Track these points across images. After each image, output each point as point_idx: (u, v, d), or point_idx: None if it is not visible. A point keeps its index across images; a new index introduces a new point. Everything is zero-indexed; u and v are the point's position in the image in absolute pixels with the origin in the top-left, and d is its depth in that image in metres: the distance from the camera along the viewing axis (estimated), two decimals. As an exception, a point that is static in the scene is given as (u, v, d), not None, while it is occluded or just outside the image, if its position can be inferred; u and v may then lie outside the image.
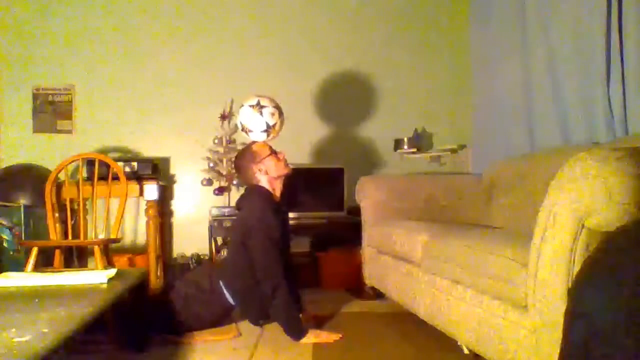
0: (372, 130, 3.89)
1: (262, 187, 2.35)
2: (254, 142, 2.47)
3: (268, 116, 2.41)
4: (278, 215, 2.30)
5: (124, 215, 2.90)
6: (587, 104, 2.40)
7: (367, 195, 2.95)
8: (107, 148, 3.63)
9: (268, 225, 2.18)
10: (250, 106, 2.42)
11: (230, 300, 2.24)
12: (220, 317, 2.27)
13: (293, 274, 2.46)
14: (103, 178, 2.85)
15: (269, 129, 2.42)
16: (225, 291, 2.23)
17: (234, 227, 2.45)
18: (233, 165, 2.45)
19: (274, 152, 2.40)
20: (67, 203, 2.76)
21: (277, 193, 2.41)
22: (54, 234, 2.76)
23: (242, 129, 2.49)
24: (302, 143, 3.73)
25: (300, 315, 2.33)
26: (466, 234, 1.91)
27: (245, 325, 2.33)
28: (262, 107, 2.41)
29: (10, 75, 3.63)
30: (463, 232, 2.01)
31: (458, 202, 2.95)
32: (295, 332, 2.09)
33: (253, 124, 2.42)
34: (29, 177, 3.19)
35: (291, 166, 2.48)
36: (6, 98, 3.64)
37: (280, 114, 2.47)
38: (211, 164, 3.60)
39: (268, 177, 2.36)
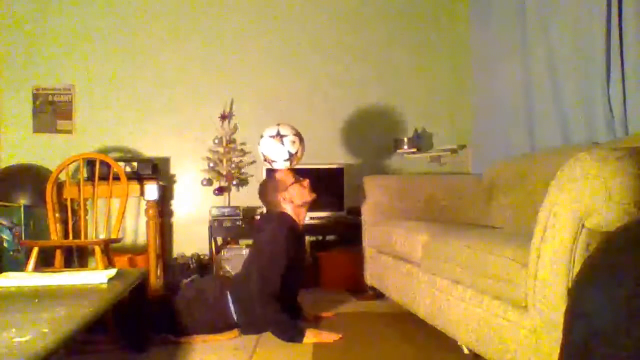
0: (372, 130, 3.89)
1: (285, 214, 2.35)
2: (277, 170, 2.47)
3: (289, 145, 2.42)
4: (297, 241, 2.33)
5: (125, 215, 2.90)
6: (587, 104, 2.40)
7: (367, 195, 2.96)
8: (107, 148, 3.63)
9: (277, 252, 2.19)
10: (270, 137, 2.43)
11: (234, 316, 2.20)
12: (220, 330, 2.21)
13: (298, 286, 2.48)
14: (103, 178, 2.85)
15: (291, 158, 2.44)
16: (231, 305, 2.20)
17: (251, 246, 2.46)
18: (258, 194, 2.48)
19: (298, 180, 2.40)
20: (68, 203, 2.77)
21: (302, 221, 2.42)
22: (55, 234, 2.76)
23: (265, 160, 2.50)
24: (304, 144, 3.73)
25: (301, 319, 2.35)
26: (466, 234, 1.91)
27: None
28: (282, 136, 2.42)
29: (10, 75, 3.63)
30: (463, 232, 2.01)
31: (458, 202, 2.95)
32: (292, 335, 2.08)
33: (275, 154, 2.43)
34: (29, 177, 3.19)
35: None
36: (6, 98, 3.64)
37: (301, 140, 2.48)
38: (211, 164, 3.61)
39: (293, 205, 2.37)
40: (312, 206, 3.51)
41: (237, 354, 1.98)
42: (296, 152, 2.45)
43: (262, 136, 2.49)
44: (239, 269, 2.50)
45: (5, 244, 2.90)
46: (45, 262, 2.71)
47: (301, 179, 2.43)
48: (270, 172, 2.72)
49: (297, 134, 2.48)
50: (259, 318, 2.15)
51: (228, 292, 2.23)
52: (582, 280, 0.96)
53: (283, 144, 2.42)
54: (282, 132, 2.43)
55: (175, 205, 3.76)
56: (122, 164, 3.03)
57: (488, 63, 3.48)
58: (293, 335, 2.09)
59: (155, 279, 3.18)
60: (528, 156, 2.71)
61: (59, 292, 1.63)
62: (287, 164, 2.46)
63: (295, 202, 2.37)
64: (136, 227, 3.69)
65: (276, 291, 2.14)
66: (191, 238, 3.65)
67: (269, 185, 2.42)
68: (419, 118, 3.90)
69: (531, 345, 1.29)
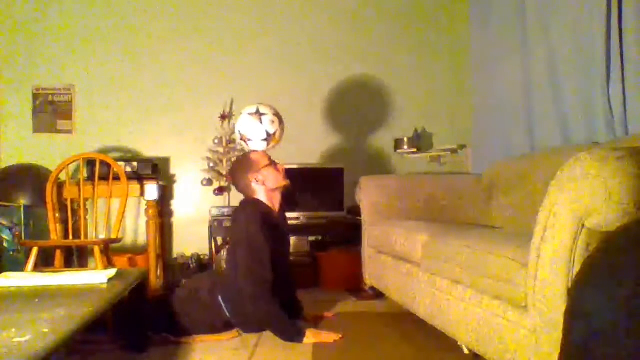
0: (372, 130, 3.89)
1: (256, 200, 2.27)
2: (252, 151, 2.38)
3: (268, 124, 2.33)
4: (275, 229, 2.23)
5: (125, 215, 2.90)
6: (587, 104, 2.40)
7: (367, 195, 2.95)
8: (107, 148, 3.63)
9: (254, 240, 2.11)
10: (249, 114, 2.35)
11: (228, 314, 2.17)
12: (218, 329, 2.19)
13: (291, 282, 2.43)
14: (104, 178, 2.85)
15: (269, 138, 2.34)
16: (223, 305, 2.17)
17: (229, 241, 2.40)
18: (229, 175, 2.38)
19: (273, 163, 2.32)
20: (69, 203, 2.77)
21: (276, 206, 2.32)
22: (55, 234, 2.76)
23: (241, 138, 2.40)
24: (302, 143, 3.73)
25: (301, 319, 2.33)
26: (466, 234, 1.91)
27: (245, 325, 2.33)
28: (261, 114, 2.34)
29: (10, 75, 3.64)
30: (463, 232, 2.01)
31: (458, 202, 2.95)
32: (292, 336, 2.07)
33: (252, 132, 2.34)
34: (29, 177, 3.19)
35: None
36: (6, 98, 3.64)
37: (281, 122, 2.40)
38: (211, 164, 3.61)
39: (265, 188, 2.27)
40: (313, 206, 3.56)
41: (237, 354, 1.98)
42: (274, 133, 2.35)
43: (240, 114, 2.41)
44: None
45: (5, 244, 2.90)
46: (45, 262, 2.71)
47: (277, 162, 2.34)
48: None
49: (277, 114, 2.39)
50: (254, 317, 2.12)
51: (219, 293, 2.18)
52: (582, 280, 0.96)
53: (261, 122, 2.32)
54: (261, 111, 2.35)
55: (175, 205, 3.76)
56: (122, 164, 3.03)
57: (488, 63, 3.48)
58: (292, 334, 2.07)
59: (155, 279, 3.18)
60: (528, 156, 2.71)
61: (59, 292, 1.63)
62: (264, 144, 2.36)
63: (267, 184, 2.27)
64: (136, 227, 3.69)
65: (267, 283, 2.08)
66: (191, 238, 3.65)
67: (241, 165, 2.32)
68: (419, 118, 3.90)
69: (531, 345, 1.29)
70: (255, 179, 2.27)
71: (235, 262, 2.18)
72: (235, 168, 2.37)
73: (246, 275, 2.10)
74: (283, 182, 2.32)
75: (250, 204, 2.27)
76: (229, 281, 2.22)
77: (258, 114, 2.35)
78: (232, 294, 2.17)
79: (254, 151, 2.38)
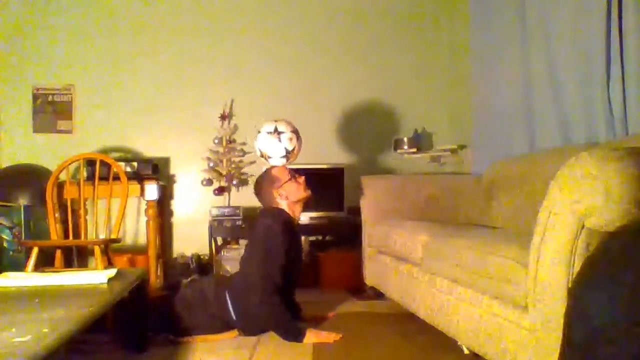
0: (372, 130, 3.89)
1: (280, 209, 2.36)
2: (273, 167, 2.49)
3: (286, 141, 2.44)
4: (293, 236, 2.32)
5: (125, 215, 2.90)
6: (587, 104, 2.40)
7: (367, 195, 2.96)
8: (107, 148, 3.63)
9: (272, 244, 2.19)
10: (268, 133, 2.45)
11: (233, 315, 2.19)
12: (219, 329, 2.20)
13: (295, 284, 2.46)
14: (104, 178, 2.85)
15: (288, 154, 2.46)
16: (230, 306, 2.19)
17: (247, 244, 2.46)
18: (253, 191, 2.49)
19: (293, 177, 2.42)
20: (68, 203, 2.76)
21: (297, 217, 2.44)
22: (55, 234, 2.76)
23: (261, 155, 2.52)
24: (302, 143, 3.72)
25: (300, 320, 2.33)
26: (466, 234, 1.91)
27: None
28: (279, 133, 2.44)
29: (10, 75, 3.63)
30: (463, 232, 2.01)
31: (458, 202, 2.95)
32: (293, 335, 2.09)
33: (272, 150, 2.44)
34: (29, 177, 3.19)
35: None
36: (6, 98, 3.64)
37: (298, 137, 2.50)
38: (211, 164, 3.61)
39: (288, 201, 2.38)
40: (313, 206, 3.55)
41: (237, 353, 1.98)
42: (293, 149, 2.47)
43: (259, 132, 2.50)
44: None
45: (5, 244, 2.90)
46: (45, 262, 2.71)
47: (297, 175, 2.44)
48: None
49: (295, 131, 2.50)
50: (262, 318, 2.14)
51: (227, 293, 2.22)
52: (582, 280, 0.96)
53: (280, 141, 2.43)
54: (279, 129, 2.45)
55: (175, 205, 3.76)
56: (122, 164, 3.03)
57: (488, 63, 3.48)
58: (294, 335, 2.09)
59: (155, 279, 3.18)
60: (528, 156, 2.71)
61: (59, 292, 1.63)
62: (284, 160, 2.48)
63: (290, 198, 2.38)
64: (136, 227, 3.69)
65: (278, 287, 2.14)
66: (191, 238, 3.65)
67: (265, 181, 2.43)
68: (419, 118, 3.90)
69: (531, 345, 1.29)
70: (279, 194, 2.38)
71: (249, 261, 2.24)
72: (260, 184, 2.46)
73: (259, 275, 2.14)
74: (304, 194, 2.41)
75: (274, 211, 2.36)
76: (238, 280, 2.26)
77: (276, 132, 2.44)
78: (240, 293, 2.19)
79: (275, 166, 2.48)
